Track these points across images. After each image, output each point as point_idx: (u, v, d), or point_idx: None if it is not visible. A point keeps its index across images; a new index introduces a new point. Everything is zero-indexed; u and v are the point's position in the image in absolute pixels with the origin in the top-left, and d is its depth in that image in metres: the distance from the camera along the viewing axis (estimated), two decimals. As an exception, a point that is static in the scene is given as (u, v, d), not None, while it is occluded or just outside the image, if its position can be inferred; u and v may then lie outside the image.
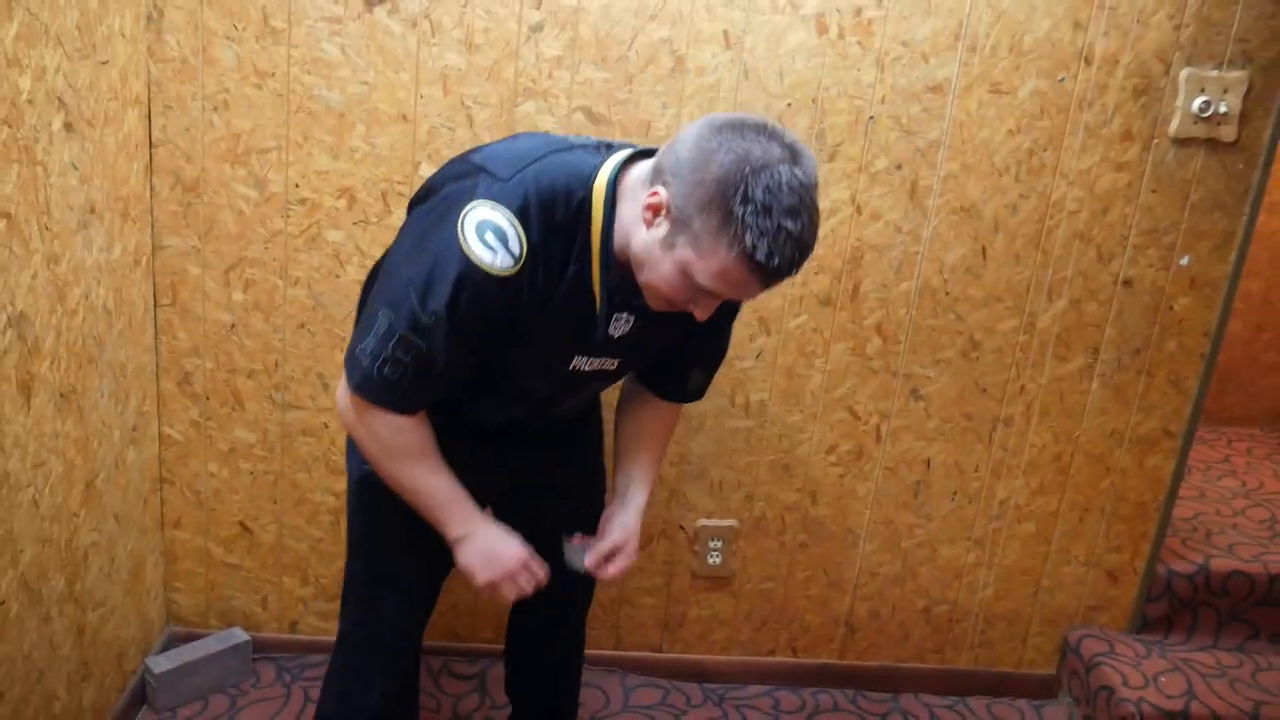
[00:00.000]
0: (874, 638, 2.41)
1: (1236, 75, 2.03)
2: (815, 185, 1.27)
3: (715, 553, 2.30)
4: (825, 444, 2.24)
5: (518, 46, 1.93)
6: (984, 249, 2.12)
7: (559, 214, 1.32)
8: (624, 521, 1.64)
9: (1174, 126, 2.06)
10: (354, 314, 1.84)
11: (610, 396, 1.84)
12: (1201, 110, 2.04)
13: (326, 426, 2.16)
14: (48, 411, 1.67)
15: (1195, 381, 2.25)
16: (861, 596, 2.37)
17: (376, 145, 1.98)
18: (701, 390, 1.73)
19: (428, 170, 1.99)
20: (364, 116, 1.96)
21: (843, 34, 1.96)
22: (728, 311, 1.59)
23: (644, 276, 1.34)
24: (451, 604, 2.30)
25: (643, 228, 1.31)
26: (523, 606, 1.67)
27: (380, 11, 1.90)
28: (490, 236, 1.28)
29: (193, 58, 1.92)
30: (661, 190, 1.27)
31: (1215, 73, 2.02)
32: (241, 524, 2.22)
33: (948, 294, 2.15)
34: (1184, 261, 2.16)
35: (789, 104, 2.00)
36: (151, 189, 1.99)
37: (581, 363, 1.48)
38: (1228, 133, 2.07)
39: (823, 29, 1.96)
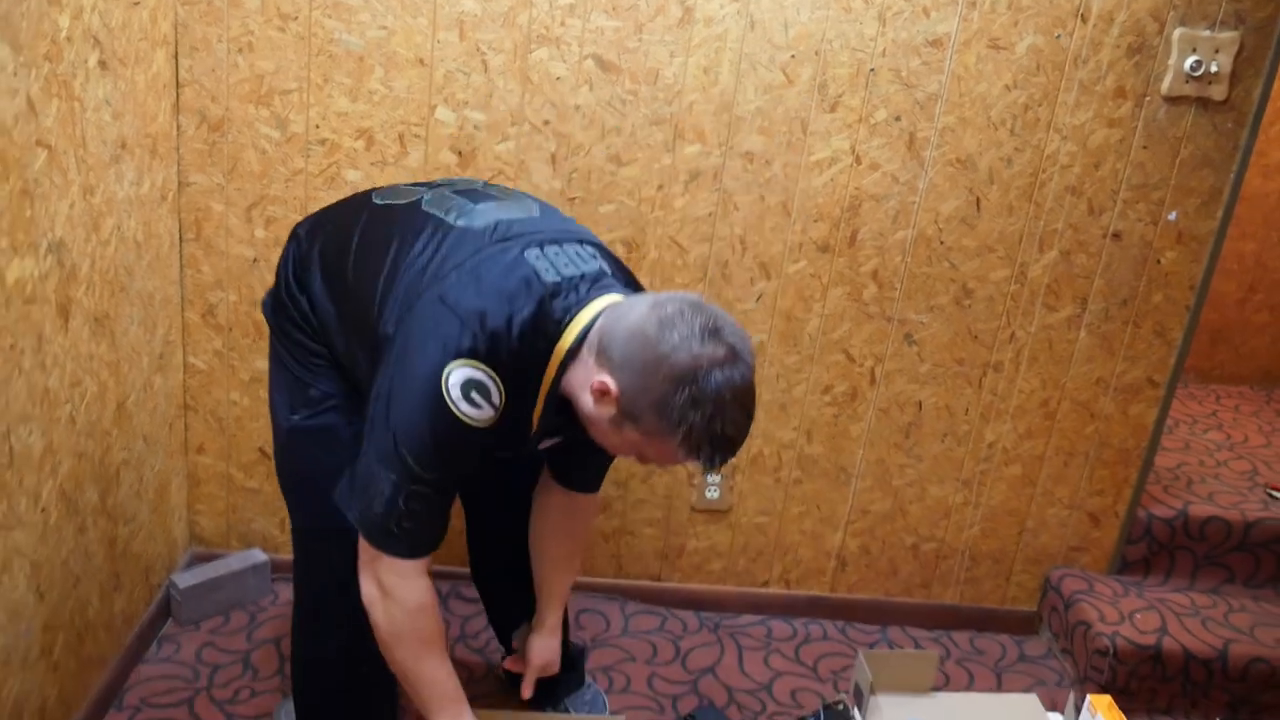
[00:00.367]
0: (864, 572, 2.52)
1: (1228, 36, 2.09)
2: (753, 382, 1.36)
3: (713, 487, 2.40)
4: (821, 385, 2.34)
5: (532, -6, 2.00)
6: (978, 200, 2.20)
7: (525, 367, 1.41)
8: (542, 646, 1.83)
9: (1166, 84, 2.13)
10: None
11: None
12: (1193, 69, 2.11)
13: (344, 359, 2.26)
14: (84, 334, 1.77)
15: (1180, 333, 2.33)
16: (853, 532, 2.48)
17: (394, 88, 2.06)
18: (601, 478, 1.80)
19: (444, 114, 2.07)
20: (382, 60, 2.04)
21: (846, -13, 2.03)
22: None
23: (591, 432, 1.45)
24: (459, 531, 2.41)
25: (587, 396, 1.39)
26: (480, 516, 1.83)
27: (400, -42, 1.97)
28: (475, 395, 1.37)
29: (218, 0, 1.99)
30: (610, 381, 1.35)
31: (1207, 33, 2.09)
32: (261, 450, 2.33)
33: (942, 243, 2.23)
34: (1172, 217, 2.23)
35: (793, 55, 2.07)
36: (178, 127, 2.08)
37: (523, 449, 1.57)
38: (1218, 92, 2.14)
39: (827, -18, 2.03)
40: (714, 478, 2.39)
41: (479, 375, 1.37)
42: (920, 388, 2.35)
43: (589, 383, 1.38)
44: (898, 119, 2.13)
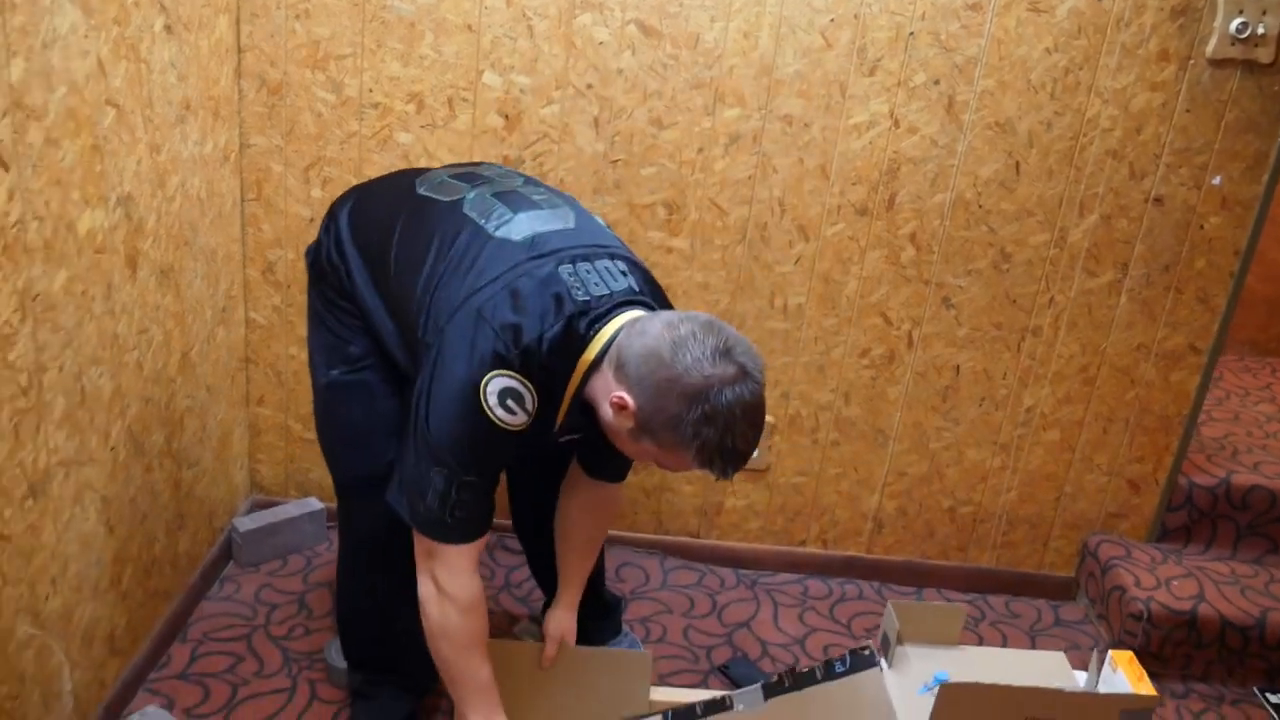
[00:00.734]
0: (900, 534, 2.56)
1: (1275, -4, 2.07)
2: (762, 396, 1.44)
3: (751, 447, 2.45)
4: (859, 347, 2.37)
5: (576, -39, 2.06)
6: (1017, 164, 2.21)
7: (554, 377, 1.51)
8: (560, 619, 1.90)
9: (1211, 47, 2.11)
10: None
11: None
12: (1239, 32, 2.09)
13: (395, 316, 2.35)
14: (150, 285, 1.88)
15: (1224, 300, 2.32)
16: (890, 494, 2.52)
17: (444, 53, 2.14)
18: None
19: (491, 79, 2.15)
20: (432, 26, 2.11)
21: (886, -49, 2.05)
22: None
23: (610, 437, 1.54)
24: (504, 488, 2.50)
25: (607, 407, 1.49)
26: (521, 483, 1.97)
27: (449, -74, 2.04)
28: (511, 402, 1.47)
29: (278, -32, 2.09)
30: (628, 398, 1.44)
31: (1254, -7, 2.07)
32: (318, 403, 2.44)
33: (980, 206, 2.24)
34: (1216, 181, 2.22)
35: (832, 19, 2.10)
36: (240, 91, 2.18)
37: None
38: (1265, 54, 2.12)
39: (866, -54, 2.05)
40: (752, 437, 2.44)
41: (515, 384, 1.47)
42: (958, 351, 2.37)
43: (609, 394, 1.48)
44: (936, 83, 2.15)
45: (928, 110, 2.17)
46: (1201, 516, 2.52)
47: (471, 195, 1.66)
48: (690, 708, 1.74)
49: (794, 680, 1.75)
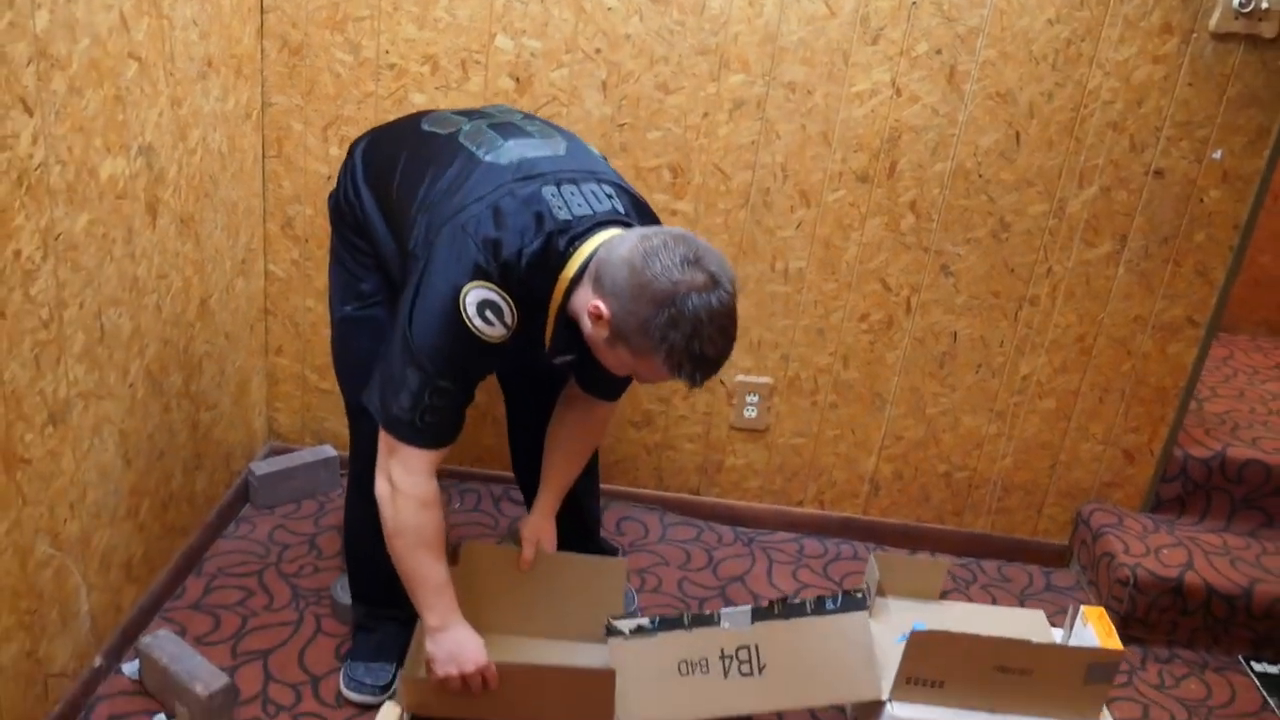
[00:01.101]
0: (896, 497, 2.61)
1: (1278, -30, 2.08)
2: (732, 306, 1.50)
3: (752, 407, 2.52)
4: (858, 312, 2.42)
5: (586, -74, 2.12)
6: (1018, 134, 2.24)
7: (534, 292, 1.59)
8: (536, 523, 1.97)
9: (1214, 21, 2.13)
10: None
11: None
12: (1242, 6, 2.11)
13: (408, 271, 2.43)
14: (170, 232, 1.97)
15: (1223, 273, 2.34)
16: (886, 457, 2.57)
17: (458, 16, 2.20)
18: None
19: (503, 42, 2.21)
20: (447, -12, 2.18)
21: (889, -79, 2.09)
22: None
23: (592, 349, 1.61)
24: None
25: (585, 318, 1.56)
26: (520, 418, 2.04)
27: (464, -109, 2.10)
28: (489, 314, 1.55)
29: (300, -69, 2.16)
30: (602, 305, 1.51)
31: (1257, -33, 2.08)
32: (334, 355, 2.53)
33: (980, 176, 2.28)
34: (1216, 155, 2.24)
35: (835, -13, 2.14)
36: (262, 50, 2.26)
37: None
38: (1269, 29, 2.13)
39: (870, -84, 2.09)
40: (752, 397, 2.50)
41: (494, 296, 1.55)
42: (956, 319, 2.41)
43: (587, 306, 1.54)
44: (939, 52, 2.19)
45: (929, 79, 2.21)
46: (1196, 488, 2.55)
47: (468, 127, 1.75)
48: (679, 616, 1.81)
49: (783, 609, 1.81)
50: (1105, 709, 1.82)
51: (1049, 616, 2.12)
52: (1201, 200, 2.28)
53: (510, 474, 2.22)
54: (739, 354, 2.46)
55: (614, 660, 1.79)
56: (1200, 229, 2.30)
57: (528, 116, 1.83)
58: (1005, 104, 2.22)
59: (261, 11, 2.23)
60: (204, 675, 1.85)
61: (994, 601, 2.47)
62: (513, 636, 1.97)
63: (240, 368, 2.40)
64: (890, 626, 1.98)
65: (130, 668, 1.95)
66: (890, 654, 1.86)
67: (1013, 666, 1.76)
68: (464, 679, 1.72)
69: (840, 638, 1.82)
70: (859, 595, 1.84)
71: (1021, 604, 2.48)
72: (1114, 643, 1.81)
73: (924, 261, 2.36)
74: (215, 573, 2.25)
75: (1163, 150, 2.24)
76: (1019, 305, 2.40)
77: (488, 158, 1.65)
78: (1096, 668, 1.75)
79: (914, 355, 2.46)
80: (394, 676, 1.97)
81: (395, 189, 1.73)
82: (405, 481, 1.64)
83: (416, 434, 1.62)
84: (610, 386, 1.88)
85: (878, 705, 1.83)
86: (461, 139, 1.71)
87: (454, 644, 1.72)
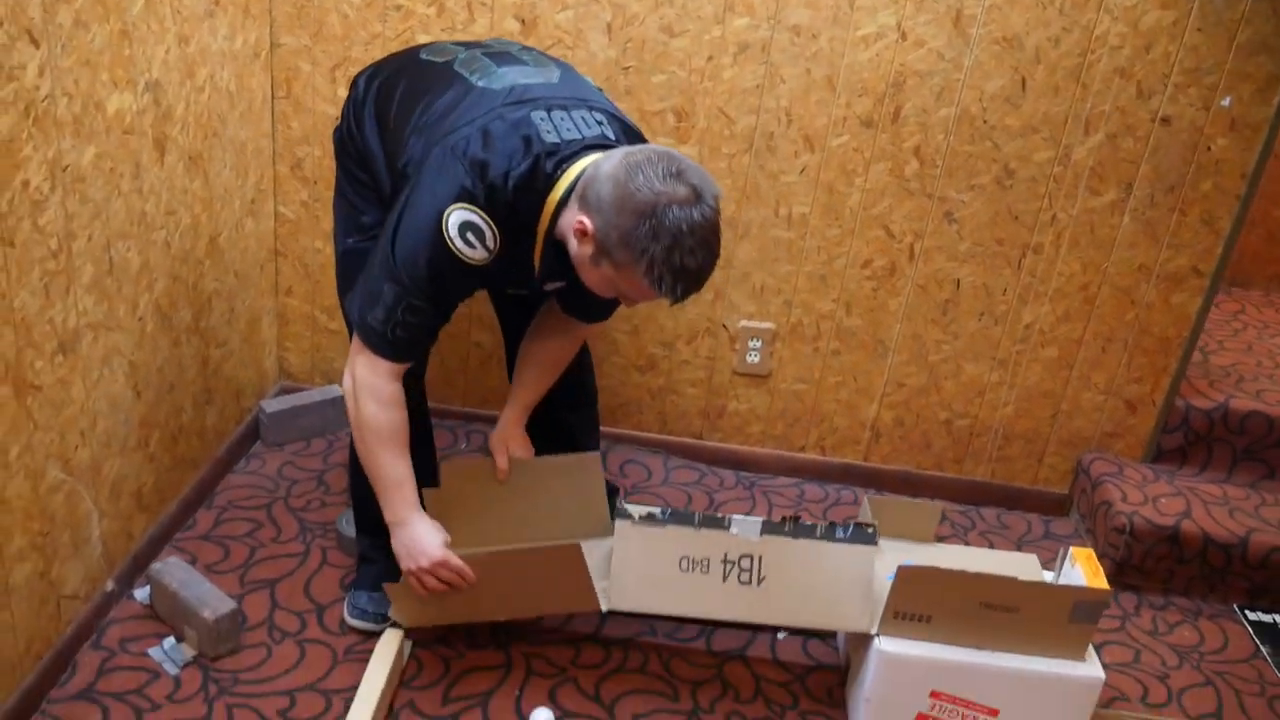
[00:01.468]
0: (897, 444, 2.63)
1: (1292, -88, 2.05)
2: (715, 220, 1.52)
3: (754, 352, 2.54)
4: (861, 258, 2.43)
5: None
6: (1024, 80, 2.23)
7: (521, 215, 1.61)
8: (501, 434, 2.00)
9: (1225, -36, 2.11)
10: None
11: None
12: (1254, -52, 2.08)
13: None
14: (178, 169, 2.00)
15: (1229, 222, 2.33)
16: (888, 404, 2.59)
17: (464, -43, 2.21)
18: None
19: (509, -18, 2.22)
20: (453, -71, 2.19)
21: None
22: None
23: (579, 273, 1.63)
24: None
25: (571, 238, 1.59)
26: (514, 338, 2.05)
27: None
28: (470, 236, 1.58)
29: None
30: (587, 221, 1.54)
31: (1269, -91, 2.05)
32: (343, 296, 2.57)
33: (985, 122, 2.27)
34: (1225, 103, 2.22)
35: (841, -71, 2.13)
36: (271, -10, 2.28)
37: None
38: (1280, -28, 2.11)
39: None
40: (755, 343, 2.52)
41: (476, 219, 1.58)
42: (959, 266, 2.42)
43: (573, 224, 1.57)
44: (945, -5, 2.18)
45: (935, 24, 2.20)
46: (1198, 439, 2.55)
47: (464, 55, 1.78)
48: (690, 514, 1.85)
49: (794, 528, 1.84)
50: (1091, 648, 1.85)
51: (1043, 562, 2.14)
52: (1209, 148, 2.27)
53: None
54: (741, 299, 2.48)
55: (618, 543, 1.84)
56: (1207, 178, 2.29)
57: (525, 48, 1.85)
58: (1011, 49, 2.21)
59: (270, -49, 2.24)
60: (211, 600, 1.91)
61: (991, 547, 2.50)
62: (506, 547, 2.01)
63: (250, 307, 2.44)
64: (883, 566, 2.00)
65: (141, 593, 2.02)
66: (882, 593, 1.89)
67: (998, 603, 1.79)
68: (436, 577, 1.77)
69: (843, 567, 1.85)
70: (870, 530, 1.86)
71: (1018, 550, 2.50)
72: (1100, 583, 1.83)
73: (927, 208, 2.37)
74: (225, 505, 2.31)
75: (1170, 97, 2.23)
76: (1022, 253, 2.40)
77: (480, 83, 1.68)
78: (1082, 606, 1.77)
79: (916, 302, 2.47)
80: (396, 605, 2.02)
81: (393, 116, 1.76)
82: (368, 380, 1.69)
83: (386, 345, 1.66)
84: (590, 309, 1.90)
85: (866, 639, 1.87)
86: (457, 66, 1.74)
87: (410, 539, 1.77)
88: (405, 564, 1.79)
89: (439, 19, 2.27)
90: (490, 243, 1.60)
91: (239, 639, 1.94)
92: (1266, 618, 2.37)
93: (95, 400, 1.83)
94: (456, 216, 1.56)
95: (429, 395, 2.03)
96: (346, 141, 1.87)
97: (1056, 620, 1.79)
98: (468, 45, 1.83)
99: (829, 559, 1.86)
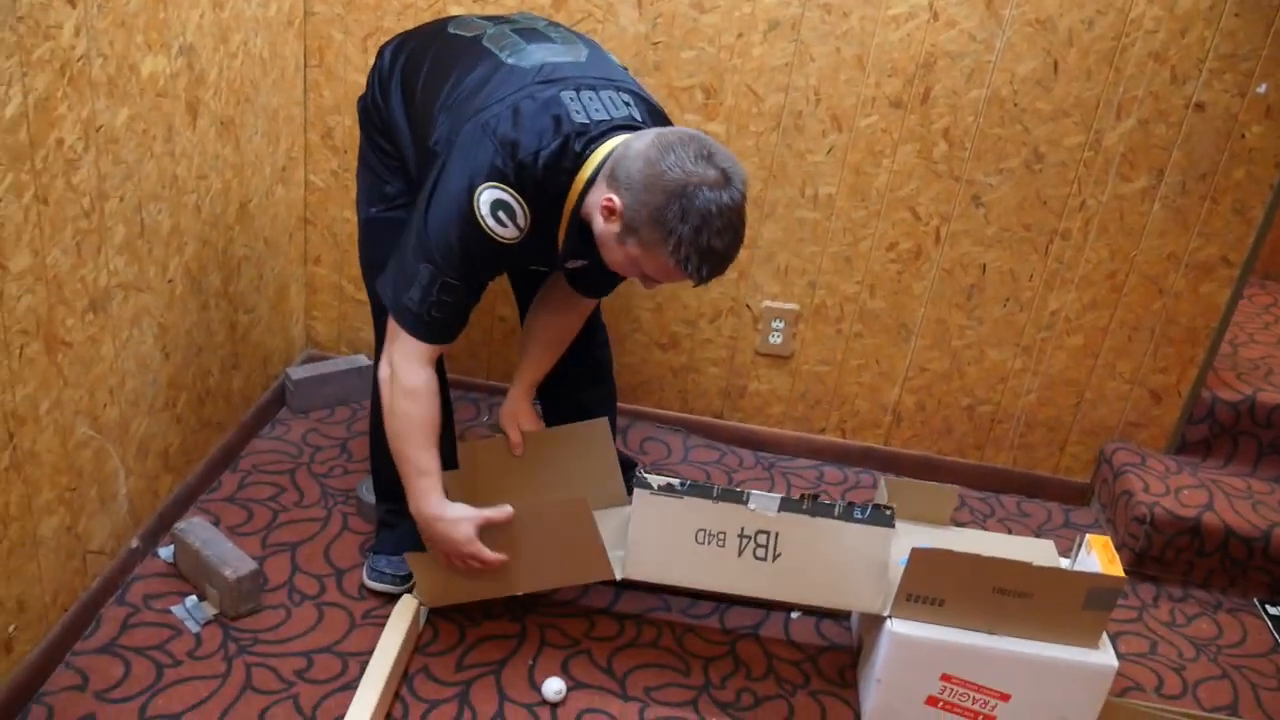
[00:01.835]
0: (918, 428, 2.63)
1: (1336, -103, 2.02)
2: (742, 205, 1.54)
3: (777, 333, 2.54)
4: (886, 241, 2.42)
5: None
6: (1056, 63, 2.21)
7: (549, 194, 1.62)
8: (510, 409, 2.04)
9: (1266, -51, 2.08)
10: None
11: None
12: (1297, -67, 2.05)
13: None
14: (210, 134, 2.03)
15: (1261, 212, 2.30)
16: (910, 389, 2.58)
17: (497, -71, 2.22)
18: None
19: (541, -44, 2.22)
20: (486, -99, 2.19)
21: None
22: None
23: (602, 252, 1.65)
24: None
25: (598, 216, 1.60)
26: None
27: None
28: (502, 214, 1.59)
29: None
30: (615, 198, 1.55)
31: (1313, -107, 2.02)
32: (370, 266, 2.59)
33: (1016, 105, 2.26)
34: (1261, 89, 2.19)
35: (875, -93, 2.12)
36: (305, -41, 2.30)
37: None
38: (1323, -42, 2.07)
39: None
40: (778, 323, 2.52)
41: (507, 198, 1.59)
42: (985, 250, 2.41)
43: (600, 202, 1.58)
44: (979, -24, 2.16)
45: (967, 4, 2.18)
46: (1223, 431, 2.53)
47: (492, 30, 1.79)
48: (709, 486, 1.86)
49: (812, 506, 1.85)
50: (1105, 637, 1.84)
51: (1061, 551, 2.13)
52: (1243, 136, 2.24)
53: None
54: (765, 279, 2.48)
55: (636, 511, 1.85)
56: (1240, 166, 2.26)
57: (552, 24, 1.85)
58: (1044, 31, 2.19)
59: (305, -80, 2.26)
60: (233, 560, 1.94)
61: (1009, 534, 2.49)
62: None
63: (279, 274, 2.47)
64: (898, 549, 2.00)
65: (166, 552, 2.05)
66: (896, 576, 1.89)
67: (1012, 589, 1.79)
68: (459, 560, 1.80)
69: (858, 548, 1.85)
70: (888, 512, 1.86)
71: (1036, 537, 2.49)
72: (1116, 570, 1.82)
73: (955, 191, 2.35)
74: (250, 469, 2.34)
75: (1205, 83, 2.20)
76: (1050, 239, 2.38)
77: (510, 60, 1.68)
78: (1096, 593, 1.77)
79: (941, 286, 2.46)
80: (414, 570, 2.05)
81: (420, 90, 1.77)
82: (404, 369, 1.70)
83: (423, 327, 1.68)
84: (601, 285, 1.92)
85: (878, 620, 1.87)
86: (485, 42, 1.74)
87: (438, 533, 1.79)
88: (434, 549, 1.82)
89: (471, -9, 2.28)
90: (521, 221, 1.61)
91: (259, 599, 1.97)
92: (1287, 612, 2.36)
93: (124, 359, 1.86)
94: (488, 195, 1.58)
95: (453, 368, 2.05)
96: (371, 112, 1.89)
97: (1070, 607, 1.79)
98: (495, 20, 1.84)
99: (845, 539, 1.86)
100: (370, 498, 2.18)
